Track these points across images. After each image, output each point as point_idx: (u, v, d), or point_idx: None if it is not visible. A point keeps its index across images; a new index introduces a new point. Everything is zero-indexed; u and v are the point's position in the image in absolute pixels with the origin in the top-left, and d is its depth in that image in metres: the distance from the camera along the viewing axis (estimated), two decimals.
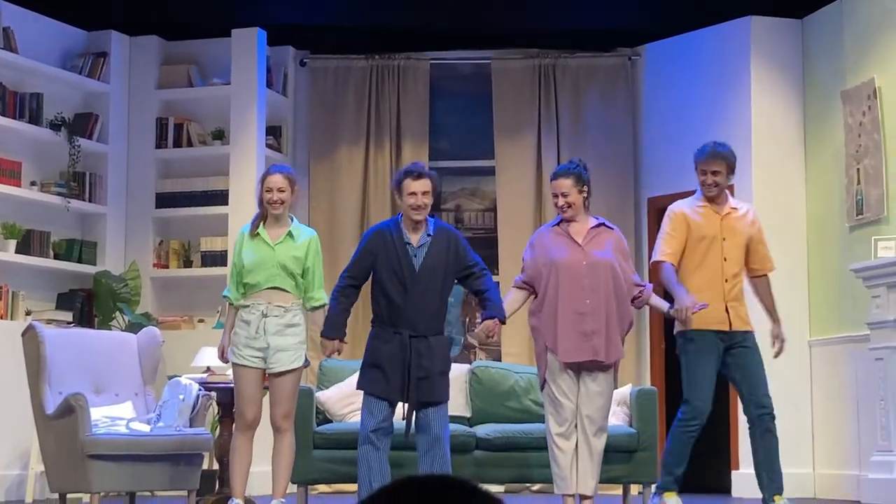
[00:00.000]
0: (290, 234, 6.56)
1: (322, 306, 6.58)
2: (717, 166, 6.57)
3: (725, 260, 6.54)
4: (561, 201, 6.44)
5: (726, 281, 6.53)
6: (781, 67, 9.42)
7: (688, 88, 9.85)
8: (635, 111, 10.29)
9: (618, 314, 6.40)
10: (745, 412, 6.59)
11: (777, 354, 6.69)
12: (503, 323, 6.41)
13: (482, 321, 6.41)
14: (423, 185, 6.35)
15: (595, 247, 6.44)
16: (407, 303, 6.28)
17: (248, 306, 6.48)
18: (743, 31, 9.45)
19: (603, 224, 6.57)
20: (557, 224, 6.54)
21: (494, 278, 9.53)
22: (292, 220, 6.65)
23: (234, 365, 6.51)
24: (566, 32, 10.13)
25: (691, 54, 9.88)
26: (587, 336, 6.32)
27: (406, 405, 6.30)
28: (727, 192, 6.73)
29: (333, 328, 6.40)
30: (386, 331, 6.31)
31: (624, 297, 6.46)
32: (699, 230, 6.56)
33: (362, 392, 6.36)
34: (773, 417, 6.54)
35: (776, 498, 6.51)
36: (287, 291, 6.49)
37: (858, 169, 8.59)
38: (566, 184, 6.43)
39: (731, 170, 6.64)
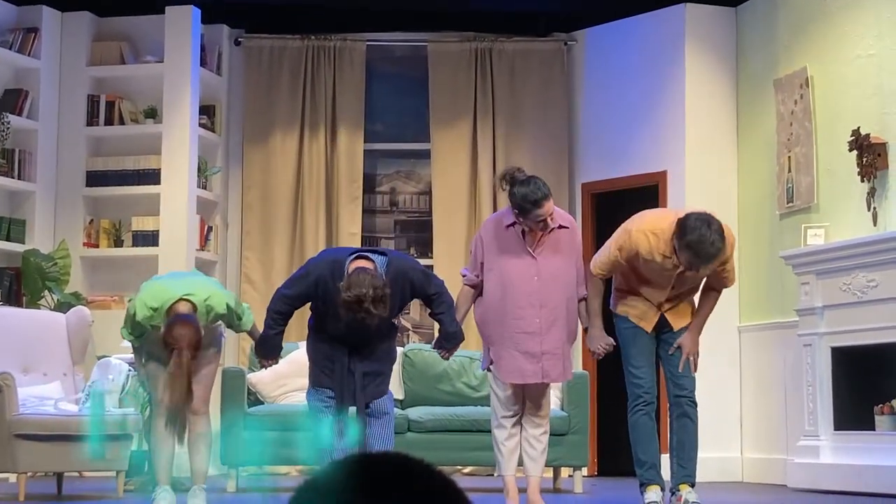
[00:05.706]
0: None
1: (252, 325, 6.26)
2: (707, 269, 5.82)
3: (673, 288, 6.01)
4: (543, 224, 6.00)
5: (668, 300, 6.07)
6: (715, 55, 9.48)
7: (623, 74, 9.89)
8: (571, 96, 10.31)
9: (567, 328, 6.15)
10: (667, 393, 6.21)
11: (679, 355, 6.08)
12: (461, 340, 6.13)
13: (435, 348, 6.18)
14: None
15: (550, 255, 6.07)
16: (349, 338, 5.91)
17: (160, 328, 5.91)
18: (678, 18, 9.50)
19: (560, 226, 6.12)
20: (512, 224, 6.07)
21: (429, 261, 9.64)
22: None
23: (148, 352, 6.11)
24: (503, 15, 10.13)
25: (627, 40, 9.91)
26: (535, 357, 6.03)
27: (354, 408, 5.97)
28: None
29: (269, 350, 6.12)
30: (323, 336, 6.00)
31: (575, 311, 6.21)
32: (648, 273, 5.97)
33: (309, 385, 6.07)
34: (692, 402, 6.07)
35: (682, 487, 6.03)
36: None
37: (789, 157, 8.68)
38: (550, 205, 6.01)
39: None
